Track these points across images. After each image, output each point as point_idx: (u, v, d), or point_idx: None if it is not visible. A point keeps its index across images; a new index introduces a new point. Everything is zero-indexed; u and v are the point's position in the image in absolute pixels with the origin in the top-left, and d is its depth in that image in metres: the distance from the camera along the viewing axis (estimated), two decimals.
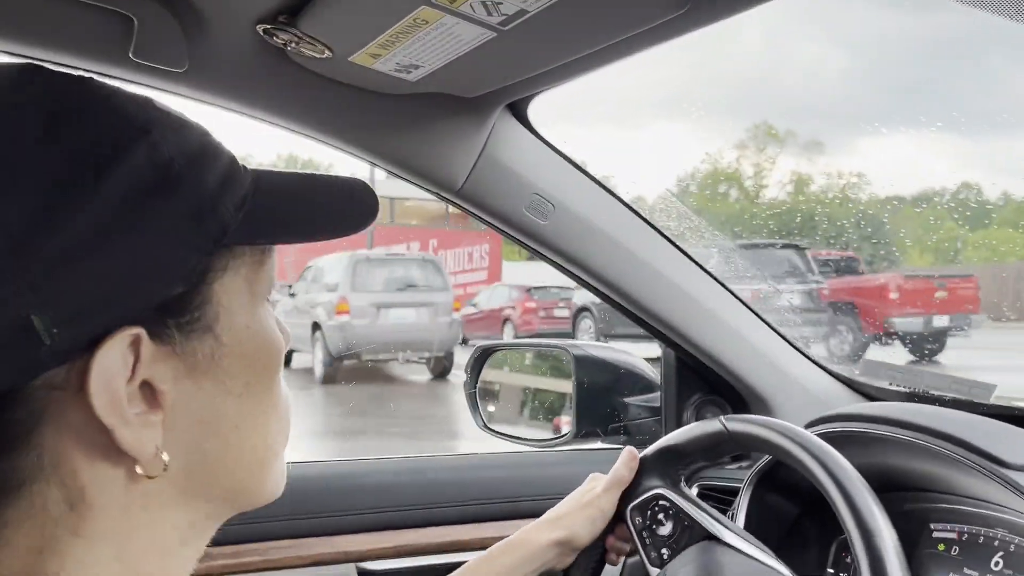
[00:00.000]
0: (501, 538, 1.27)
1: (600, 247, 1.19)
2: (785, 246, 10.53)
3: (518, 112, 1.07)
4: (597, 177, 1.20)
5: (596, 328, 12.71)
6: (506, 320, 15.42)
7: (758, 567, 0.92)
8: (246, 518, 1.14)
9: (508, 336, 14.97)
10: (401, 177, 1.05)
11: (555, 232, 1.14)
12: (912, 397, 1.38)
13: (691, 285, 1.27)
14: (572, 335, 13.67)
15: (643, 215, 1.24)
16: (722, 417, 0.97)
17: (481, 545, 1.25)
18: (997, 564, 1.05)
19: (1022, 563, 1.02)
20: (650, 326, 1.29)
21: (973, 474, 0.95)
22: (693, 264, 1.27)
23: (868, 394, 1.42)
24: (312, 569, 1.14)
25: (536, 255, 1.19)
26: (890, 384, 1.39)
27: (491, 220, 1.11)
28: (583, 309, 13.06)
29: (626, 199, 1.20)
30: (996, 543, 1.06)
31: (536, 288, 15.76)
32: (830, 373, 1.42)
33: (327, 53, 0.84)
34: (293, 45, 0.83)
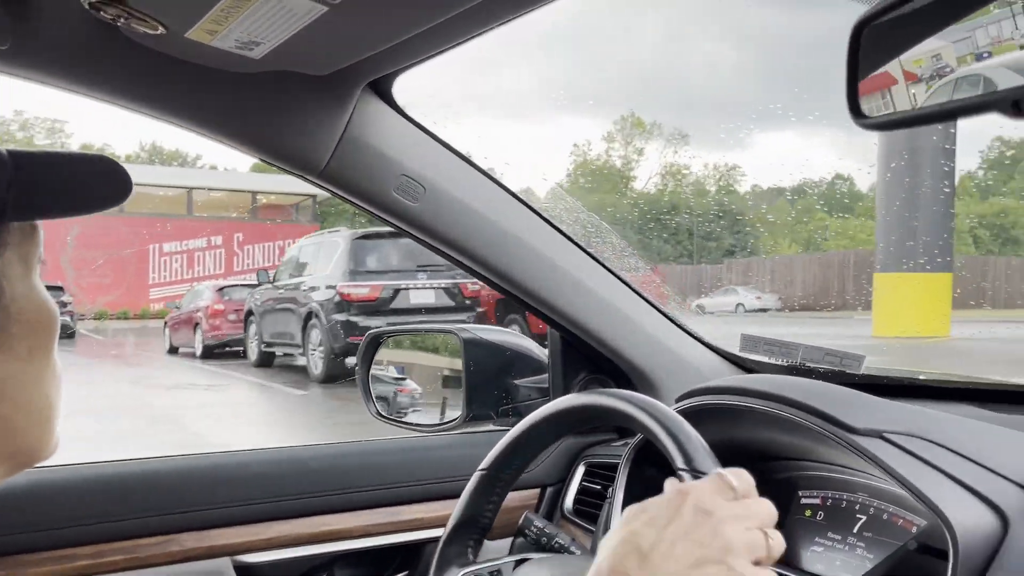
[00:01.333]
0: (383, 525, 1.26)
1: (476, 229, 1.18)
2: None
3: (382, 91, 1.05)
4: (472, 159, 1.19)
5: (258, 333, 11.08)
6: (196, 324, 12.93)
7: (556, 559, 1.00)
8: (109, 516, 1.11)
9: (199, 342, 12.78)
10: (259, 158, 1.02)
11: (428, 214, 1.13)
12: (791, 370, 1.42)
13: (570, 264, 1.27)
14: (243, 341, 11.79)
15: (520, 196, 1.23)
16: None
17: (363, 532, 1.24)
18: (858, 527, 1.09)
19: (881, 526, 1.06)
20: (532, 306, 1.29)
21: (827, 441, 0.98)
22: (572, 244, 1.28)
23: (749, 368, 1.45)
24: (184, 565, 1.11)
25: (411, 238, 1.17)
26: (768, 357, 1.42)
27: (358, 202, 1.09)
28: (250, 313, 11.34)
29: (502, 180, 1.20)
30: (858, 507, 1.09)
31: (228, 287, 13.52)
32: (712, 348, 1.45)
33: (160, 29, 0.80)
34: (123, 21, 0.79)
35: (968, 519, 0.85)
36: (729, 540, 0.60)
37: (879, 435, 0.94)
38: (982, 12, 0.57)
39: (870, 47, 0.62)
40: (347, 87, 0.99)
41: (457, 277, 9.24)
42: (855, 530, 1.08)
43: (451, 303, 9.36)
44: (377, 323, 7.10)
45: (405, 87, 1.09)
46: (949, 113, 0.56)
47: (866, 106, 0.62)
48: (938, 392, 1.30)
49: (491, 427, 1.47)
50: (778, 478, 1.21)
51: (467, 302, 9.47)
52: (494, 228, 1.19)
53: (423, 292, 9.25)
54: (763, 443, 1.17)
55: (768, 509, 0.66)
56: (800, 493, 1.17)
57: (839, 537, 1.10)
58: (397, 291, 9.19)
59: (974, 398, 1.25)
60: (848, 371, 1.37)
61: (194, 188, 22.57)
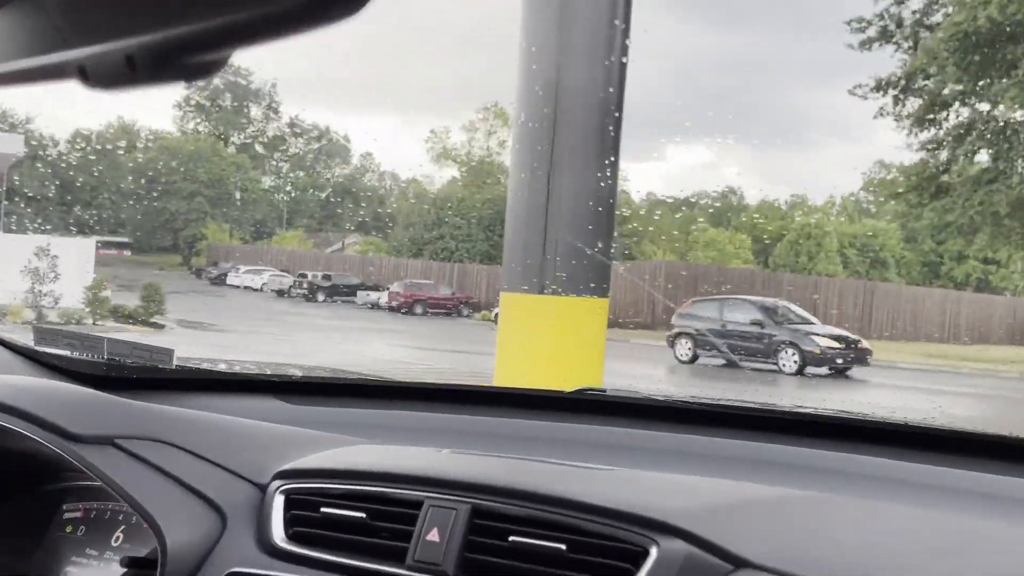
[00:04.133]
0: None
1: None
2: None
3: None
4: None
5: None
6: None
7: None
8: None
9: None
10: None
11: None
12: (103, 365, 1.28)
13: None
14: None
15: None
16: None
17: None
18: (117, 539, 1.00)
19: (139, 535, 0.99)
20: None
21: (53, 452, 0.86)
22: None
23: (51, 363, 1.27)
24: None
25: None
26: (71, 352, 1.27)
27: None
28: None
29: None
30: (120, 518, 1.01)
31: None
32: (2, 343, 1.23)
33: None
34: None
35: (185, 525, 0.81)
36: None
37: (110, 442, 0.86)
38: None
39: None
40: None
41: None
42: (114, 543, 0.99)
43: None
44: None
45: None
46: (27, 75, 0.48)
47: None
48: (251, 386, 1.30)
49: None
50: (46, 490, 1.06)
51: None
52: None
53: None
54: (26, 454, 1.01)
55: None
56: (65, 507, 1.04)
57: (97, 552, 1.00)
58: None
59: (284, 391, 1.27)
60: (160, 364, 1.29)
61: None
